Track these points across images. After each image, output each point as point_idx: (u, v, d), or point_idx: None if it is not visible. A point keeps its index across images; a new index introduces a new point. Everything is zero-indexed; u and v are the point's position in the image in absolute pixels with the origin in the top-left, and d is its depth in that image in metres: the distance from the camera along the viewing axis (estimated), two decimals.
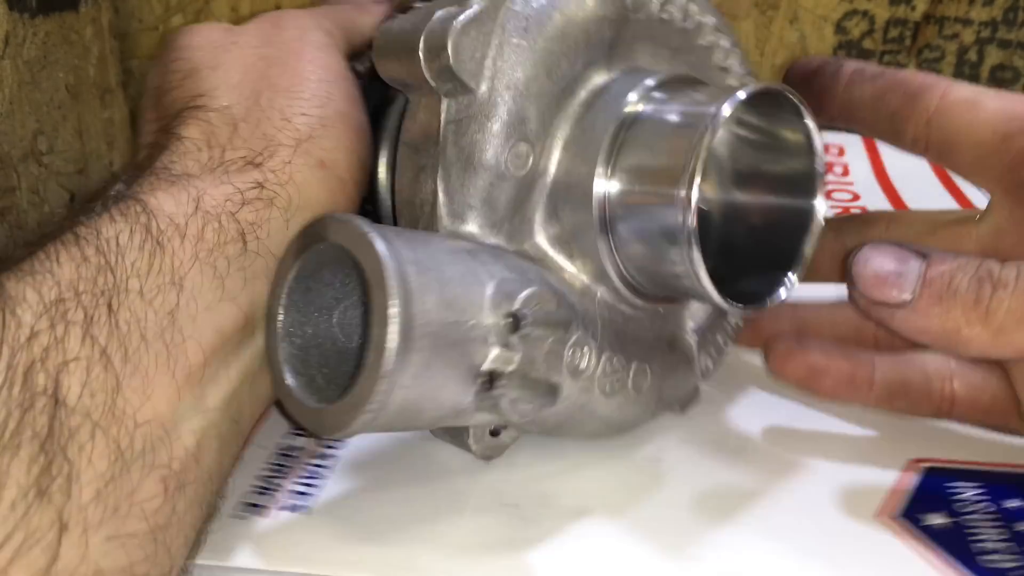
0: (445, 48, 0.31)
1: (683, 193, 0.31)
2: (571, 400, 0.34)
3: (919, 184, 0.65)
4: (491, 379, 0.30)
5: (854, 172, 0.70)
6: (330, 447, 0.40)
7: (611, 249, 0.34)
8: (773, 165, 0.36)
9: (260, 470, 0.38)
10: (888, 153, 0.71)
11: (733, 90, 0.32)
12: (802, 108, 0.34)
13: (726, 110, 0.31)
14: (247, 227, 0.31)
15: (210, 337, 0.29)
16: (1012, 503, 0.36)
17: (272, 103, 0.35)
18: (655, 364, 0.37)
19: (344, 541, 0.34)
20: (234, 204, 0.31)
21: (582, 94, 0.34)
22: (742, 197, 0.38)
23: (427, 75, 0.32)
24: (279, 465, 0.39)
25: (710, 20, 0.38)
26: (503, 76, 0.32)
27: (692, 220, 0.31)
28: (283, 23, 0.38)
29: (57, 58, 0.60)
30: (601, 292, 0.35)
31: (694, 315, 0.40)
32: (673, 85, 0.34)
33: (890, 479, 0.37)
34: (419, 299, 0.28)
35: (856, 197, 0.66)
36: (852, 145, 0.73)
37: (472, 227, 0.33)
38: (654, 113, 0.33)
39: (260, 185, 0.32)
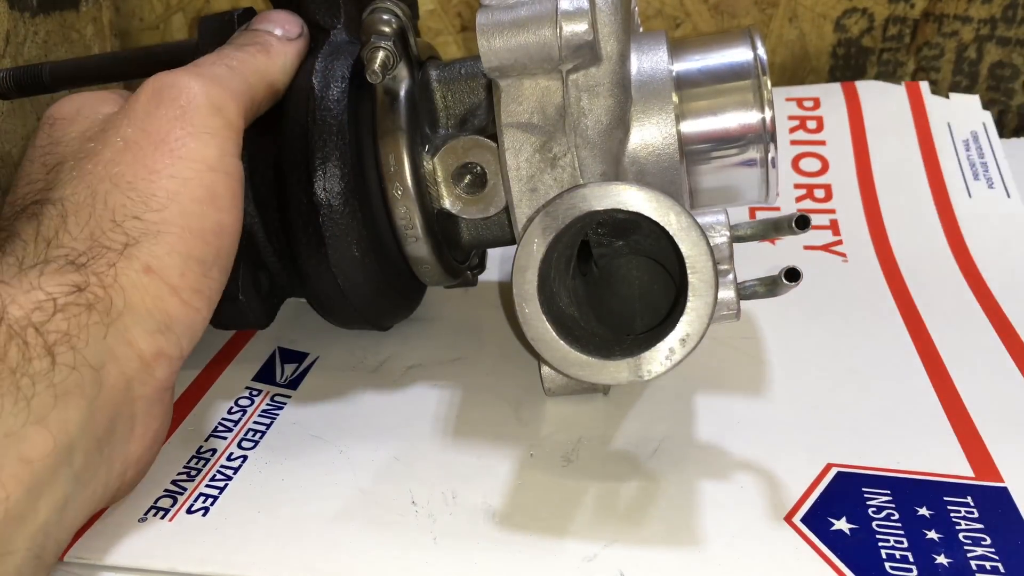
0: (585, 26, 0.34)
1: (758, 117, 0.38)
2: None
3: (898, 161, 0.62)
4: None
5: (828, 127, 0.65)
6: (240, 446, 0.41)
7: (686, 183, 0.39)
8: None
9: (176, 474, 0.40)
10: (870, 102, 0.67)
11: None
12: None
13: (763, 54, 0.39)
14: (59, 339, 0.29)
15: (13, 468, 0.27)
16: (922, 511, 0.35)
17: (107, 201, 0.33)
18: None
19: (241, 542, 0.36)
20: (44, 313, 0.29)
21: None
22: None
23: (563, 53, 0.35)
24: (194, 469, 0.40)
25: None
26: (609, 46, 0.37)
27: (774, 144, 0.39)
28: (167, 97, 0.36)
29: (56, 56, 0.60)
30: None
31: None
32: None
33: (805, 482, 0.37)
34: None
35: (824, 167, 0.63)
36: (830, 96, 0.67)
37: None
38: (694, 67, 0.39)
39: (79, 288, 0.31)
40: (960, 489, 0.37)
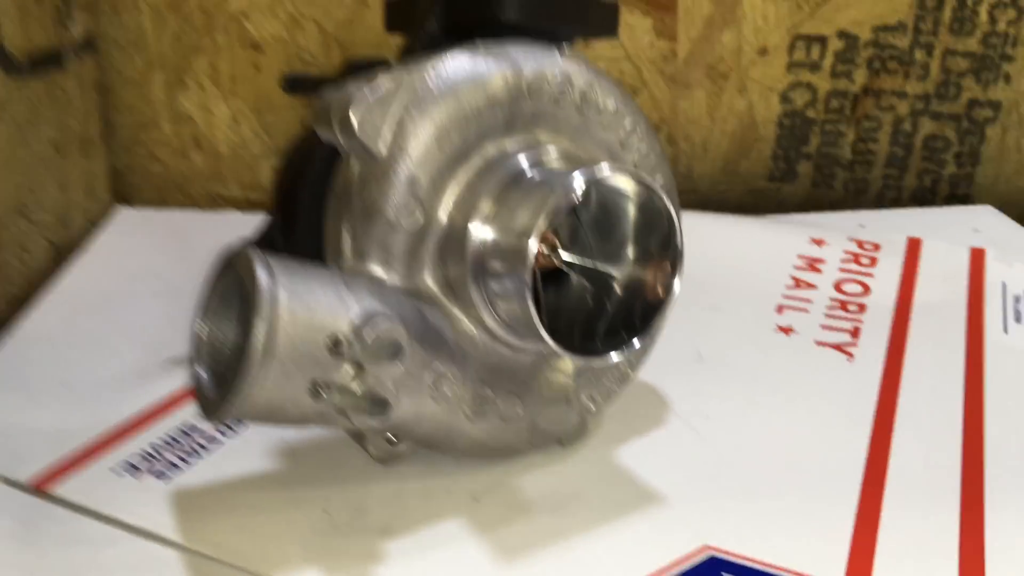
0: (350, 119, 0.37)
1: (524, 244, 0.36)
2: (436, 420, 0.39)
3: (942, 296, 0.61)
4: (317, 389, 0.35)
5: (881, 266, 0.65)
6: (221, 432, 0.46)
7: (483, 297, 0.38)
8: (646, 240, 0.40)
9: (158, 439, 0.45)
10: (928, 258, 0.67)
11: (585, 170, 0.36)
12: (659, 194, 0.37)
13: (570, 191, 0.36)
14: None
15: None
16: None
17: None
18: (529, 399, 0.42)
19: (175, 509, 0.41)
20: None
21: (476, 161, 0.39)
22: (624, 267, 0.41)
23: (339, 139, 0.38)
24: (174, 439, 0.46)
25: (610, 104, 0.42)
26: (399, 144, 0.38)
27: (528, 276, 0.35)
28: None
29: (43, 115, 0.63)
30: (479, 332, 0.40)
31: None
32: (554, 159, 0.39)
33: (666, 557, 0.38)
34: (285, 319, 0.34)
35: (866, 291, 0.62)
36: (892, 245, 0.68)
37: (374, 266, 0.38)
38: (521, 181, 0.38)
39: None
40: None
